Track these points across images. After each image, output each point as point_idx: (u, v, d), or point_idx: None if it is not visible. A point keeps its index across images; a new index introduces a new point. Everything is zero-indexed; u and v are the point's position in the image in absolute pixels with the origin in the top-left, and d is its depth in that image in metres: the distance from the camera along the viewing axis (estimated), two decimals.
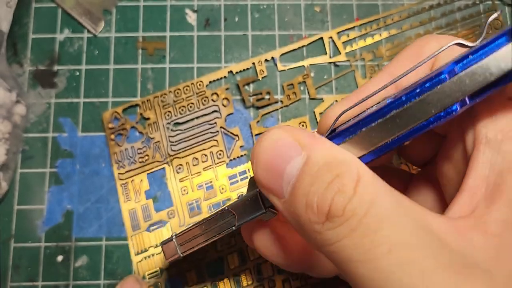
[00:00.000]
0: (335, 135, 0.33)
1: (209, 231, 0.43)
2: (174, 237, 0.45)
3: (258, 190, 0.38)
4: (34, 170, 0.57)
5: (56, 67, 0.59)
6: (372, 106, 0.34)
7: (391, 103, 0.32)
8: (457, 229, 0.30)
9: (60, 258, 0.55)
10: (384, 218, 0.28)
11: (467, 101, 0.30)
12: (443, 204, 0.41)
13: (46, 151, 0.57)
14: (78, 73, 0.59)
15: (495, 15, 0.31)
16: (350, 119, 0.34)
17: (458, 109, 0.30)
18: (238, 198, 0.40)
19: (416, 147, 0.44)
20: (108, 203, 0.56)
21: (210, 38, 0.61)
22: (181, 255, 0.45)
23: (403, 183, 0.45)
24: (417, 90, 0.31)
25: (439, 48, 0.32)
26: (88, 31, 0.60)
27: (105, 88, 0.59)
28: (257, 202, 0.39)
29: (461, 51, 0.31)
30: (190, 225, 0.44)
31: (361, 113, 0.34)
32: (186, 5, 0.61)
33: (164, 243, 0.46)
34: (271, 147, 0.32)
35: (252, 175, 0.35)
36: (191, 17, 0.61)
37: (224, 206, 0.41)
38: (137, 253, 0.55)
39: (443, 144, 0.39)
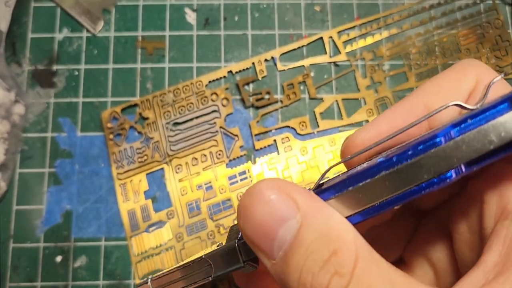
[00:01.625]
0: (323, 190, 0.31)
1: (186, 278, 0.41)
2: (149, 280, 0.44)
3: (236, 242, 0.36)
4: (33, 170, 0.57)
5: (55, 67, 0.59)
6: (361, 163, 0.32)
7: (381, 162, 0.29)
8: None
9: (59, 258, 0.55)
10: None
11: (463, 169, 0.27)
12: (453, 258, 0.38)
13: (45, 151, 0.57)
14: (77, 73, 0.59)
15: (498, 78, 0.30)
16: (338, 174, 0.33)
17: (453, 176, 0.27)
18: (217, 246, 0.39)
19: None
20: (107, 203, 0.56)
21: (209, 37, 0.60)
22: None
23: (412, 220, 0.42)
24: (409, 152, 0.28)
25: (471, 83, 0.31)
26: (87, 31, 0.60)
27: (104, 88, 0.59)
28: (235, 255, 0.36)
29: (460, 111, 0.31)
30: (166, 270, 0.43)
31: (350, 169, 0.32)
32: (185, 4, 0.61)
33: (139, 285, 0.45)
34: (264, 204, 0.29)
35: (235, 223, 0.34)
36: (191, 17, 0.61)
37: (201, 255, 0.39)
38: (137, 254, 0.55)
39: (461, 195, 0.36)
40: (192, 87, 0.58)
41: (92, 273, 0.55)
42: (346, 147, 0.37)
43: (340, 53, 0.59)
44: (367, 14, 0.61)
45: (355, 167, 0.32)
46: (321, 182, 0.32)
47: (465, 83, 0.34)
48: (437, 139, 0.27)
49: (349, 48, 0.60)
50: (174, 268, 0.42)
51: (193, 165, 0.56)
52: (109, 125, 0.57)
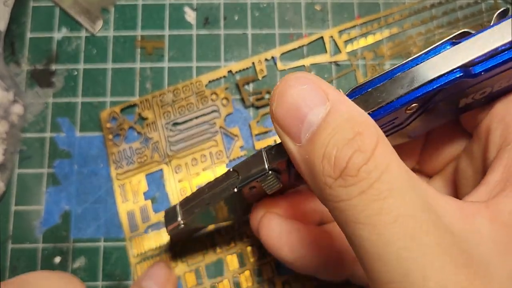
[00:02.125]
0: (347, 94, 0.34)
1: (212, 194, 0.43)
2: (178, 204, 0.46)
3: (263, 149, 0.39)
4: (31, 170, 0.57)
5: (54, 67, 0.59)
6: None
7: (397, 67, 0.33)
8: (465, 214, 0.30)
9: (58, 259, 0.55)
10: (396, 187, 0.29)
11: (472, 70, 0.31)
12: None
13: (43, 151, 0.57)
14: (76, 73, 0.59)
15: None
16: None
17: (461, 74, 0.31)
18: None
19: (438, 150, 0.44)
20: (106, 204, 0.56)
21: (209, 37, 0.60)
22: (182, 224, 0.44)
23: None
24: (422, 55, 0.32)
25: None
26: (86, 30, 0.60)
27: (103, 88, 0.58)
28: (261, 161, 0.39)
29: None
30: (195, 191, 0.44)
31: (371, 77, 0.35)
32: (185, 3, 0.61)
33: (167, 211, 0.46)
34: (298, 89, 0.32)
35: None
36: (190, 16, 0.60)
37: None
38: (136, 255, 0.54)
39: (467, 144, 0.40)
40: (192, 87, 0.57)
41: (91, 274, 0.55)
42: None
43: (340, 52, 0.59)
44: (367, 13, 0.61)
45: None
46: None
47: None
48: (447, 45, 0.32)
49: (350, 48, 0.59)
50: (201, 187, 0.44)
51: (192, 166, 0.56)
52: (108, 125, 0.57)
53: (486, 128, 0.36)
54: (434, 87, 0.32)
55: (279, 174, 0.40)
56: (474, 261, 0.28)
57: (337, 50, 0.59)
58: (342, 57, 0.59)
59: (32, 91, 0.58)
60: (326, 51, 0.59)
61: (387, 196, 0.28)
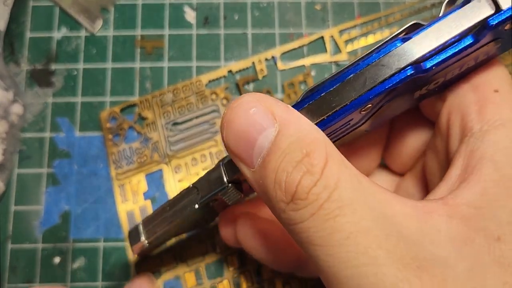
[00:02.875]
0: (298, 102, 0.34)
1: (174, 212, 0.42)
2: (140, 223, 0.45)
3: (221, 162, 0.39)
4: (31, 170, 0.57)
5: (53, 66, 0.59)
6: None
7: (348, 68, 0.33)
8: (422, 214, 0.30)
9: (57, 259, 0.55)
10: (346, 204, 0.29)
11: (422, 66, 0.31)
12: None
13: (43, 151, 0.57)
14: (75, 72, 0.59)
15: None
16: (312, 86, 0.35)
17: (412, 71, 0.31)
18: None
19: (404, 145, 0.45)
20: (106, 204, 0.56)
21: (209, 36, 0.60)
22: (146, 243, 0.44)
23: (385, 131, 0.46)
24: (373, 55, 0.32)
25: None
26: (86, 30, 0.60)
27: (103, 87, 0.58)
28: (220, 175, 0.39)
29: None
30: (157, 209, 0.44)
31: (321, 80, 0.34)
32: (185, 3, 0.61)
33: (130, 230, 0.46)
34: (245, 115, 0.32)
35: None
36: (190, 15, 0.60)
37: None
38: (136, 255, 0.54)
39: (431, 139, 0.41)
40: (192, 86, 0.57)
41: (90, 274, 0.55)
42: None
43: (341, 52, 0.59)
44: (368, 12, 0.60)
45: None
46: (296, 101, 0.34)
47: None
48: (397, 42, 0.31)
49: (350, 47, 0.59)
50: (162, 205, 0.44)
51: (192, 166, 0.56)
52: (108, 125, 0.56)
53: (445, 120, 0.37)
54: (386, 87, 0.31)
55: (240, 185, 0.39)
56: (429, 264, 0.28)
57: (338, 50, 0.59)
58: (342, 57, 0.59)
59: (31, 91, 0.58)
60: (326, 51, 0.59)
61: (338, 214, 0.29)
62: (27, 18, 0.60)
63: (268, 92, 0.58)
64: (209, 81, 0.58)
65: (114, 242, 0.55)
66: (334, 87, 0.32)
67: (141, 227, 0.45)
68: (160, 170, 0.56)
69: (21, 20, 0.60)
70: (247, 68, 0.59)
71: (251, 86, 0.58)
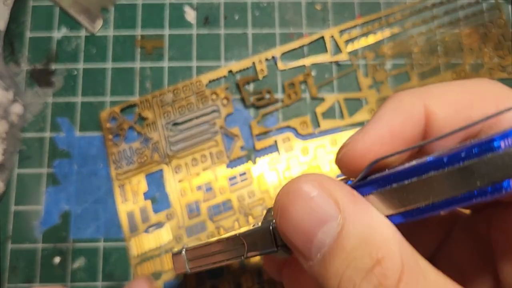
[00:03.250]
0: (364, 183, 0.29)
1: (220, 253, 0.41)
2: (184, 250, 0.44)
3: (271, 225, 0.34)
4: (31, 170, 0.57)
5: (53, 66, 0.59)
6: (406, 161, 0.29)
7: (430, 162, 0.26)
8: None
9: (57, 259, 0.55)
10: None
11: None
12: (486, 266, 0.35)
13: (43, 151, 0.57)
14: (75, 72, 0.59)
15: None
16: (380, 169, 0.30)
17: (511, 187, 0.24)
18: (253, 226, 0.38)
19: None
20: (106, 204, 0.56)
21: (209, 36, 0.60)
22: (189, 271, 0.43)
23: (442, 231, 0.39)
24: (462, 155, 0.25)
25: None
26: (86, 30, 0.60)
27: (103, 87, 0.58)
28: (269, 238, 0.35)
29: None
30: (202, 243, 0.43)
31: (395, 166, 0.29)
32: (185, 2, 0.61)
33: (174, 254, 0.45)
34: (302, 204, 0.28)
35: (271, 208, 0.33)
36: (190, 15, 0.60)
37: (236, 232, 0.38)
38: (136, 255, 0.54)
39: (501, 211, 0.33)
40: (192, 86, 0.57)
41: (90, 274, 0.55)
42: (345, 156, 0.33)
43: (341, 52, 0.59)
44: (368, 12, 0.61)
45: (366, 173, 0.30)
46: (361, 177, 0.30)
47: (483, 96, 0.31)
48: (495, 143, 0.24)
49: (350, 47, 0.59)
50: (209, 243, 0.41)
51: (192, 166, 0.56)
52: (108, 125, 0.56)
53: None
54: (479, 198, 0.25)
55: (289, 249, 0.35)
56: None
57: (338, 50, 0.59)
58: (343, 57, 0.59)
59: (31, 91, 0.58)
60: (326, 51, 0.59)
61: None
62: (27, 18, 0.60)
63: (269, 92, 0.58)
64: (210, 81, 0.58)
65: (114, 242, 0.55)
66: (410, 180, 0.27)
67: (185, 256, 0.44)
68: (161, 170, 0.56)
69: (21, 20, 0.60)
70: (247, 68, 0.59)
71: (251, 86, 0.58)
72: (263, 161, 0.56)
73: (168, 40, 0.60)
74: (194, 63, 0.59)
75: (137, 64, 0.59)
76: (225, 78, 0.59)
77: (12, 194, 0.56)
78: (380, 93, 0.58)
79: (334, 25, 0.60)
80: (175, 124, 0.57)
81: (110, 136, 0.56)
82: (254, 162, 0.56)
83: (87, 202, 0.56)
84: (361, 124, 0.57)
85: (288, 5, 0.61)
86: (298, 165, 0.56)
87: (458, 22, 0.60)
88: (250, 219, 0.55)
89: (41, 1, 0.60)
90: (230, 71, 0.59)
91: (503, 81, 0.58)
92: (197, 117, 0.57)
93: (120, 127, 0.57)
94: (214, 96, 0.57)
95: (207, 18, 0.60)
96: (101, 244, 0.55)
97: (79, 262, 0.55)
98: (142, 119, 0.57)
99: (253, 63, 0.59)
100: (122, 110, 0.57)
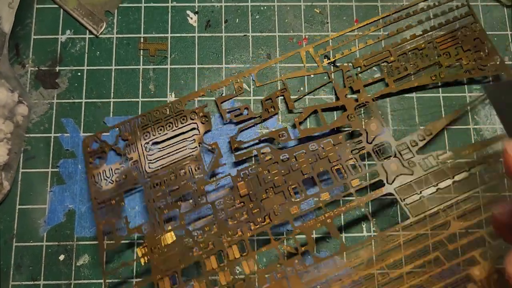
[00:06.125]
0: None
1: None
2: None
3: None
4: (36, 170, 0.57)
5: (58, 68, 0.60)
6: None
7: None
8: None
9: (62, 257, 0.55)
10: None
11: None
12: None
13: (48, 151, 0.58)
14: (80, 74, 0.59)
15: None
16: None
17: None
18: None
19: None
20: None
21: (211, 39, 0.61)
22: None
23: None
24: None
25: None
26: (90, 32, 0.61)
27: (107, 89, 0.59)
28: None
29: None
30: None
31: None
32: (187, 6, 0.62)
33: None
34: None
35: None
36: (192, 19, 0.61)
37: None
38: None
39: None
40: (172, 107, 0.58)
41: (94, 272, 0.55)
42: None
43: (318, 66, 0.60)
44: (366, 15, 0.62)
45: None
46: None
47: None
48: None
49: (326, 61, 0.60)
50: None
51: (171, 180, 0.56)
52: (89, 149, 0.57)
53: None
54: None
55: None
56: None
57: (314, 64, 0.61)
58: (319, 70, 0.60)
59: (36, 92, 0.59)
60: (303, 66, 0.60)
61: None
62: (32, 20, 0.61)
63: (246, 109, 0.59)
64: (188, 101, 0.59)
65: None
66: None
67: None
68: (140, 188, 0.57)
69: (26, 22, 0.61)
70: (225, 86, 0.60)
71: (229, 103, 0.59)
72: (243, 172, 0.56)
73: (170, 43, 0.61)
74: (196, 65, 0.60)
75: (140, 66, 0.60)
76: (204, 97, 0.59)
77: (17, 193, 0.57)
78: (359, 99, 0.58)
79: (333, 28, 0.61)
80: (155, 143, 0.57)
81: (91, 160, 0.57)
82: (235, 174, 0.56)
83: (91, 201, 0.56)
84: (340, 129, 0.58)
85: (287, 9, 0.62)
86: (278, 170, 0.56)
87: (432, 30, 0.61)
88: (229, 222, 0.55)
89: (46, 4, 0.61)
90: (209, 90, 0.59)
91: (484, 79, 0.59)
92: (176, 135, 0.57)
93: (101, 150, 0.57)
94: (193, 115, 0.58)
95: (208, 21, 0.61)
96: (105, 242, 0.55)
97: (83, 260, 0.56)
98: (123, 140, 0.58)
99: (231, 81, 0.59)
100: (104, 133, 0.58)
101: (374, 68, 0.60)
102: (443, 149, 0.58)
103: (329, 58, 0.61)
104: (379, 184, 0.55)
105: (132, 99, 0.59)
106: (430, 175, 0.55)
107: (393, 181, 0.55)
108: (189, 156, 0.57)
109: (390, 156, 0.56)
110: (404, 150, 0.56)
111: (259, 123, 0.59)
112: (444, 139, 0.59)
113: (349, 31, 0.61)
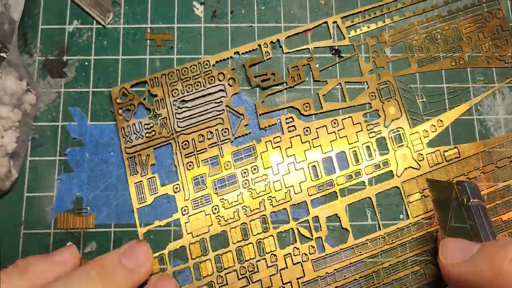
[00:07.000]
0: None
1: None
2: None
3: None
4: (44, 158, 0.58)
5: (65, 57, 0.60)
6: None
7: None
8: None
9: (69, 244, 0.55)
10: None
11: None
12: None
13: (56, 139, 0.58)
14: (87, 63, 0.60)
15: None
16: None
17: None
18: None
19: None
20: (117, 191, 0.57)
21: (217, 29, 0.62)
22: None
23: None
24: None
25: None
26: (97, 23, 0.61)
27: (113, 78, 0.60)
28: None
29: None
30: None
31: None
32: None
33: None
34: None
35: None
36: (198, 9, 0.62)
37: None
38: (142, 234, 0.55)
39: None
40: (199, 66, 0.59)
41: None
42: None
43: (344, 38, 0.60)
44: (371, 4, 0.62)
45: None
46: None
47: None
48: None
49: (352, 33, 0.61)
50: None
51: (199, 142, 0.57)
52: (118, 100, 0.58)
53: None
54: None
55: None
56: None
57: (341, 35, 0.61)
58: (345, 42, 0.60)
59: (43, 81, 0.60)
60: (330, 37, 0.61)
61: None
62: (39, 10, 0.62)
63: (273, 74, 0.59)
64: (217, 62, 0.59)
65: (125, 227, 0.56)
66: None
67: None
68: (169, 145, 0.57)
69: (34, 12, 0.62)
70: (253, 50, 0.60)
71: (257, 67, 0.60)
72: (266, 140, 0.57)
73: (177, 33, 0.61)
74: (202, 56, 0.60)
75: (147, 56, 0.60)
76: (232, 59, 0.60)
77: (25, 181, 0.57)
78: (381, 78, 0.59)
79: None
80: (183, 101, 0.58)
81: (120, 111, 0.58)
82: (259, 141, 0.57)
83: (98, 189, 0.57)
84: (362, 106, 0.59)
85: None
86: (300, 144, 0.57)
87: (458, 11, 0.61)
88: (254, 194, 0.55)
89: None
90: (237, 53, 0.60)
91: (500, 70, 0.59)
92: (204, 96, 0.58)
93: (130, 103, 0.58)
94: (221, 76, 0.58)
95: (214, 12, 0.62)
96: (112, 230, 0.56)
97: (91, 247, 0.55)
98: (151, 96, 0.58)
99: (259, 45, 0.60)
100: (133, 87, 0.59)
101: (399, 45, 0.61)
102: (447, 138, 0.58)
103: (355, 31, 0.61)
104: (387, 174, 0.56)
105: (139, 89, 0.59)
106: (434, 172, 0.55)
107: (401, 174, 0.55)
108: (216, 118, 0.58)
109: (403, 145, 0.56)
110: (416, 140, 0.56)
111: (284, 89, 0.59)
112: (448, 129, 0.58)
113: (378, 6, 0.62)
